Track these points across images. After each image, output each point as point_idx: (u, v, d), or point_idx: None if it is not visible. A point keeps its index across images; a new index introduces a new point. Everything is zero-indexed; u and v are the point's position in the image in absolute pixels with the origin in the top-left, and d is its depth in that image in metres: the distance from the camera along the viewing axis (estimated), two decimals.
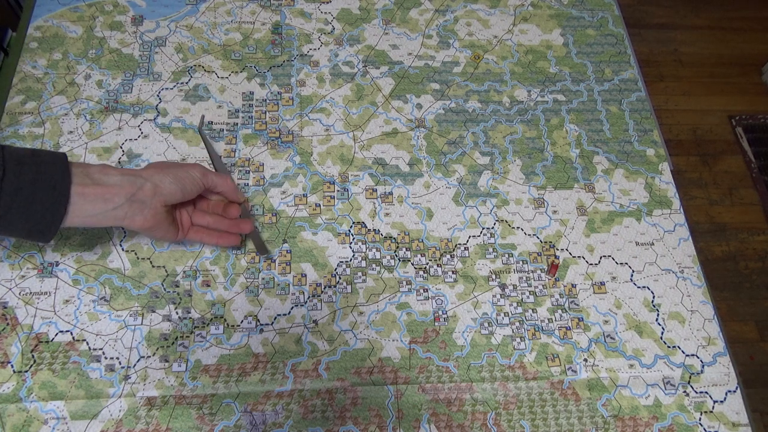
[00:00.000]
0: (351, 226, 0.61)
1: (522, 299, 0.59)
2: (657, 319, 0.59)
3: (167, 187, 0.50)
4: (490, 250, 0.61)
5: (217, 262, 0.58)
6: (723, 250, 1.56)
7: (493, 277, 0.60)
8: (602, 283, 0.60)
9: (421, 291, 0.59)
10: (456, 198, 0.64)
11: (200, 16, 0.73)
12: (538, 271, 0.60)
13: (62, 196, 0.45)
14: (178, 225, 0.54)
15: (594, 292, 0.60)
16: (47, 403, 0.51)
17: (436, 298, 0.58)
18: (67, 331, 0.54)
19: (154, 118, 0.65)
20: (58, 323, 0.54)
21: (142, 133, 0.64)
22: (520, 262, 0.61)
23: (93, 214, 0.47)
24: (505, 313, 0.58)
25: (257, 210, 0.61)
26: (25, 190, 0.43)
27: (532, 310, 0.58)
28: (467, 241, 0.61)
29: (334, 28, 0.74)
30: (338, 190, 0.63)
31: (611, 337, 0.58)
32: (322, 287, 0.58)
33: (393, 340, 0.56)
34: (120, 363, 0.53)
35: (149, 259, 0.58)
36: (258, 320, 0.56)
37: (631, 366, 0.56)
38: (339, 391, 0.53)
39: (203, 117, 0.64)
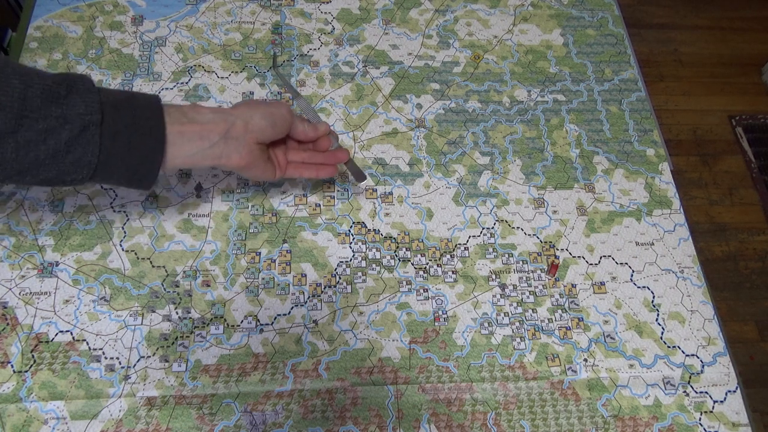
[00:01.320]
0: (351, 226, 0.61)
1: (522, 299, 0.59)
2: (657, 319, 0.59)
3: (258, 123, 0.50)
4: (490, 250, 0.61)
5: (217, 262, 0.58)
6: (723, 250, 1.56)
7: (493, 277, 0.60)
8: (602, 283, 0.60)
9: (421, 291, 0.59)
10: (456, 198, 0.64)
11: (200, 16, 0.73)
12: (538, 271, 0.60)
13: (160, 137, 0.45)
14: (275, 163, 0.54)
15: (594, 292, 0.60)
16: (47, 403, 0.51)
17: (436, 298, 0.58)
18: (67, 331, 0.54)
19: None
20: (58, 323, 0.54)
21: None
22: (520, 262, 0.61)
23: (191, 153, 0.47)
24: (505, 313, 0.58)
25: (257, 210, 0.61)
26: (123, 135, 0.43)
27: (532, 310, 0.58)
28: (467, 241, 0.61)
29: (334, 28, 0.74)
30: (338, 190, 0.63)
31: (611, 337, 0.58)
32: (322, 287, 0.58)
33: (393, 340, 0.56)
34: (120, 363, 0.53)
35: (149, 259, 0.58)
36: (258, 320, 0.56)
37: (631, 366, 0.56)
38: (339, 391, 0.53)
39: (275, 55, 0.60)
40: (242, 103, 0.52)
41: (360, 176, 0.59)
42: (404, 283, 0.59)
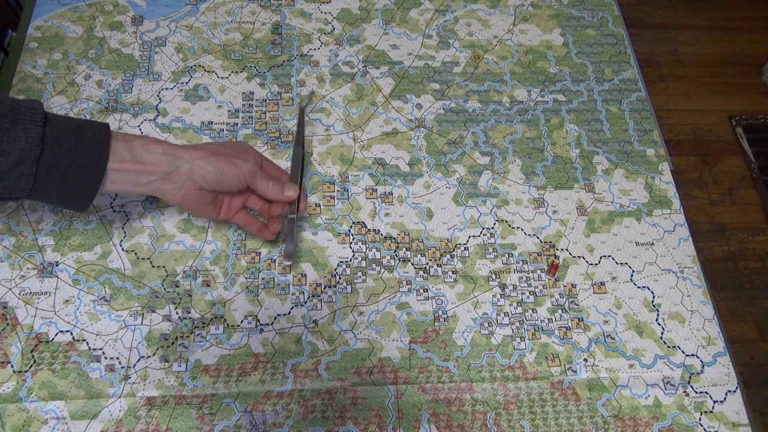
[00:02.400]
0: (351, 226, 0.61)
1: (522, 299, 0.59)
2: (657, 319, 0.59)
3: (202, 174, 0.49)
4: (490, 250, 0.61)
5: (217, 262, 0.58)
6: (723, 250, 1.56)
7: (493, 277, 0.60)
8: (602, 283, 0.60)
9: (421, 291, 0.59)
10: (456, 198, 0.64)
11: (200, 16, 0.73)
12: (538, 271, 0.60)
13: (98, 173, 0.46)
14: (219, 206, 0.54)
15: (594, 292, 0.60)
16: (47, 403, 0.51)
17: (436, 298, 0.58)
18: (67, 331, 0.54)
19: (154, 118, 0.65)
20: (58, 323, 0.54)
21: (142, 132, 0.64)
22: (520, 262, 0.61)
23: (126, 186, 0.48)
24: (505, 313, 0.58)
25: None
26: (61, 167, 0.44)
27: (532, 310, 0.58)
28: (467, 241, 0.61)
29: (334, 28, 0.74)
30: (338, 190, 0.63)
31: (611, 337, 0.58)
32: (322, 287, 0.58)
33: (393, 340, 0.56)
34: (120, 363, 0.53)
35: (149, 259, 0.58)
36: (258, 320, 0.56)
37: (631, 366, 0.56)
38: (339, 391, 0.53)
39: (312, 93, 0.58)
40: (210, 145, 0.51)
41: (288, 256, 0.54)
42: (404, 283, 0.59)
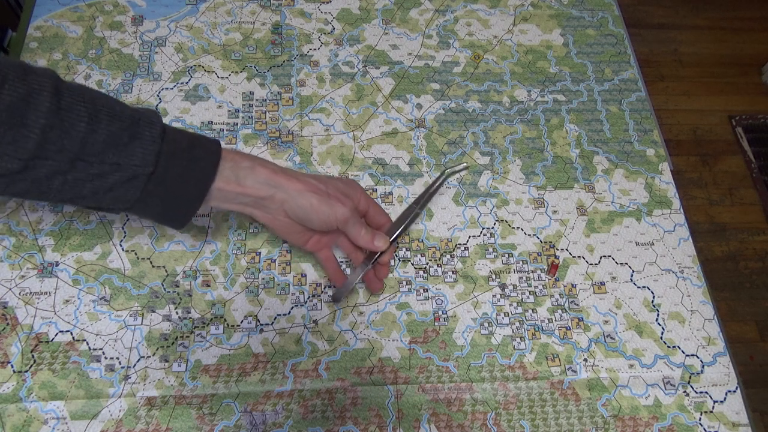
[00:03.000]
0: None
1: (522, 299, 0.59)
2: (657, 319, 0.59)
3: (294, 209, 0.49)
4: (490, 250, 0.61)
5: (217, 262, 0.58)
6: (723, 250, 1.56)
7: (493, 277, 0.60)
8: (602, 283, 0.60)
9: (421, 291, 0.59)
10: (456, 198, 0.64)
11: (200, 16, 0.73)
12: (538, 271, 0.60)
13: (202, 191, 0.46)
14: (309, 237, 0.54)
15: (594, 292, 0.60)
16: (47, 403, 0.51)
17: (436, 298, 0.58)
18: (67, 331, 0.54)
19: None
20: (58, 323, 0.54)
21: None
22: (520, 262, 0.61)
23: (223, 202, 0.49)
24: (505, 313, 0.58)
25: None
26: (168, 183, 0.45)
27: (532, 310, 0.58)
28: (467, 241, 0.61)
29: (334, 28, 0.74)
30: None
31: (611, 337, 0.58)
32: (322, 287, 0.58)
33: (393, 340, 0.56)
34: (120, 363, 0.53)
35: (149, 259, 0.58)
36: (258, 320, 0.56)
37: (631, 366, 0.56)
38: (339, 391, 0.53)
39: (467, 168, 0.57)
40: (308, 180, 0.50)
41: (336, 299, 0.56)
42: (404, 283, 0.59)
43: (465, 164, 0.60)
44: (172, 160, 0.44)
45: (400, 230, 0.55)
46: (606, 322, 0.58)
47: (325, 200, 0.49)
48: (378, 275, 0.56)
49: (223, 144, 0.48)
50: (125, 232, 0.59)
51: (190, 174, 0.45)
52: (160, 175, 0.44)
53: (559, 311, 0.59)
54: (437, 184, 0.58)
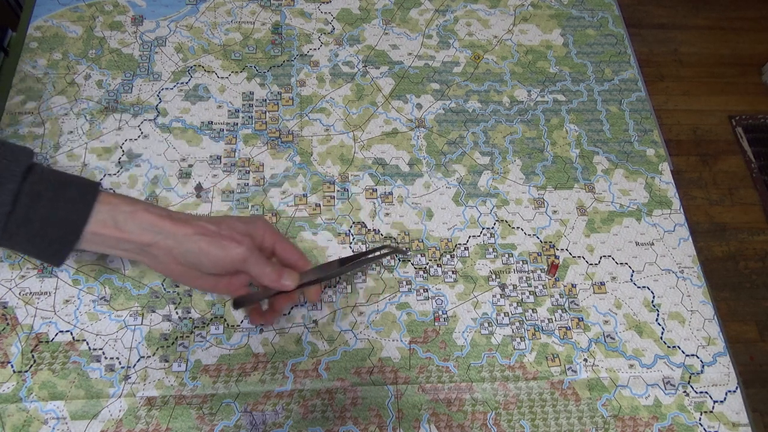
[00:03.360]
0: (351, 226, 0.61)
1: (522, 299, 0.59)
2: (657, 319, 0.59)
3: (183, 254, 0.46)
4: (490, 250, 0.61)
5: None
6: (723, 250, 1.56)
7: (493, 277, 0.60)
8: (602, 283, 0.60)
9: (421, 291, 0.59)
10: (456, 198, 0.64)
11: (200, 16, 0.73)
12: (538, 271, 0.60)
13: (74, 233, 0.44)
14: (214, 281, 0.49)
15: (594, 292, 0.60)
16: (47, 403, 0.51)
17: (436, 298, 0.58)
18: (67, 331, 0.54)
19: (154, 118, 0.65)
20: (58, 323, 0.54)
21: (142, 133, 0.64)
22: (520, 262, 0.61)
23: (104, 248, 0.47)
24: (505, 313, 0.58)
25: (257, 210, 0.61)
26: (34, 223, 0.43)
27: (532, 310, 0.58)
28: (467, 241, 0.61)
29: (334, 28, 0.74)
30: (338, 190, 0.63)
31: (611, 337, 0.58)
32: (323, 287, 0.58)
33: (393, 340, 0.56)
34: (120, 363, 0.53)
35: None
36: None
37: (631, 366, 0.56)
38: (339, 391, 0.53)
39: (408, 251, 0.56)
40: (197, 223, 0.47)
41: (235, 305, 0.51)
42: (404, 283, 0.59)
43: (407, 249, 0.57)
44: (36, 200, 0.42)
45: (321, 277, 0.51)
46: (606, 322, 0.58)
47: (215, 242, 0.45)
48: (273, 306, 0.52)
49: (107, 188, 0.46)
50: None
51: (59, 215, 0.43)
52: (21, 215, 0.42)
53: (559, 311, 0.59)
54: (373, 255, 0.55)
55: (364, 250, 0.59)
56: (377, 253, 0.56)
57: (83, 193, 0.44)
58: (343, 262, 0.54)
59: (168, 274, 0.48)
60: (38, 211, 0.43)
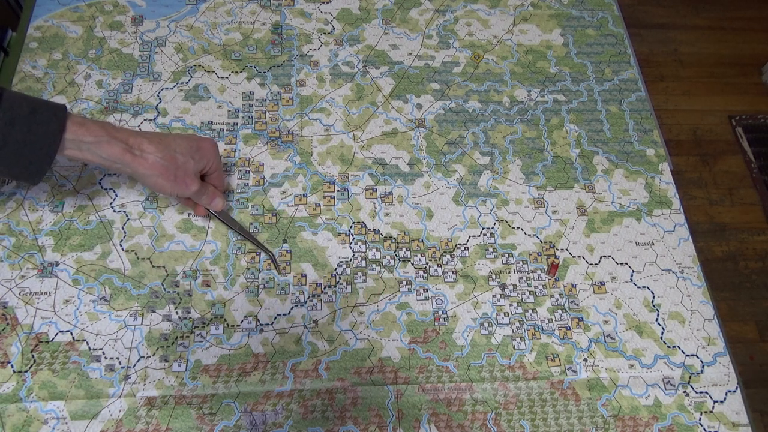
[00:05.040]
0: (351, 226, 0.61)
1: (522, 299, 0.59)
2: (657, 319, 0.59)
3: (141, 182, 0.53)
4: (490, 250, 0.61)
5: (217, 262, 0.58)
6: (723, 250, 1.56)
7: (493, 277, 0.60)
8: (602, 283, 0.60)
9: (421, 291, 0.59)
10: (456, 198, 0.64)
11: (200, 16, 0.73)
12: (538, 271, 0.60)
13: (48, 156, 0.47)
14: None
15: (594, 292, 0.60)
16: (47, 403, 0.51)
17: (436, 298, 0.58)
18: (67, 331, 0.54)
19: (154, 118, 0.65)
20: (58, 323, 0.54)
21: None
22: (520, 262, 0.61)
23: (74, 161, 0.51)
24: (505, 313, 0.58)
25: (257, 210, 0.61)
26: (11, 147, 0.46)
27: (532, 310, 0.58)
28: (467, 241, 0.61)
29: (334, 28, 0.74)
30: (338, 190, 0.63)
31: (611, 337, 0.58)
32: (322, 287, 0.58)
33: (393, 340, 0.56)
34: (120, 363, 0.53)
35: (149, 259, 0.58)
36: (258, 320, 0.56)
37: (631, 366, 0.56)
38: (339, 391, 0.53)
39: (274, 259, 0.59)
40: (163, 158, 0.52)
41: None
42: (404, 283, 0.59)
43: (282, 271, 0.59)
44: (11, 126, 0.45)
45: (223, 220, 0.59)
46: (606, 322, 0.58)
47: (170, 182, 0.52)
48: (198, 211, 0.60)
49: (71, 109, 0.49)
50: (125, 232, 0.59)
51: (32, 139, 0.46)
52: (8, 112, 0.45)
53: (559, 311, 0.58)
54: (257, 243, 0.59)
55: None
56: (261, 248, 0.59)
57: (52, 118, 0.47)
58: (242, 229, 0.59)
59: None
60: (14, 136, 0.46)
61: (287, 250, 0.59)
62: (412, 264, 0.60)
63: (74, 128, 0.48)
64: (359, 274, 0.59)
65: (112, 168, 0.51)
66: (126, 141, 0.50)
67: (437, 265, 0.60)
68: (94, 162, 0.50)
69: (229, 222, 0.59)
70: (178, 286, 0.57)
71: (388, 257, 0.60)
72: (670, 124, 1.76)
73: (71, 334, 0.54)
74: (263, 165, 0.64)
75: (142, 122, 0.65)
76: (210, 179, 0.58)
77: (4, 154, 0.46)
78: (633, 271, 0.61)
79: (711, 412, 0.55)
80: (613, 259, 0.62)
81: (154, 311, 0.55)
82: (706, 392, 0.56)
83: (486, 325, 0.57)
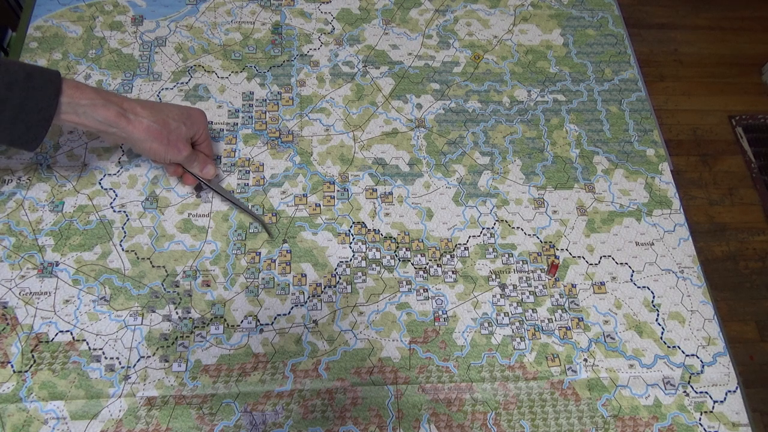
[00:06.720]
0: (351, 226, 0.61)
1: (522, 299, 0.59)
2: (657, 319, 0.59)
3: (134, 147, 0.55)
4: (490, 250, 0.61)
5: (217, 262, 0.58)
6: (723, 250, 1.56)
7: (493, 277, 0.60)
8: (602, 283, 0.60)
9: (421, 291, 0.59)
10: (456, 198, 0.64)
11: (200, 16, 0.73)
12: (538, 271, 0.60)
13: (45, 121, 0.48)
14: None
15: (594, 292, 0.60)
16: (47, 403, 0.51)
17: (436, 298, 0.58)
18: (67, 331, 0.54)
19: None
20: (58, 323, 0.54)
21: None
22: (520, 262, 0.61)
23: (69, 126, 0.52)
24: (505, 313, 0.58)
25: (257, 210, 0.61)
26: (8, 113, 0.47)
27: (532, 310, 0.58)
28: (467, 241, 0.61)
29: (334, 28, 0.74)
30: (338, 190, 0.63)
31: (611, 337, 0.58)
32: (322, 287, 0.58)
33: (393, 340, 0.56)
34: (120, 363, 0.53)
35: (149, 259, 0.58)
36: (258, 320, 0.56)
37: (631, 366, 0.56)
38: (339, 391, 0.53)
39: (270, 233, 0.60)
40: (155, 121, 0.53)
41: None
42: (404, 283, 0.59)
43: (272, 236, 0.60)
44: (9, 91, 0.46)
45: (213, 188, 0.60)
46: (606, 322, 0.58)
47: (163, 147, 0.54)
48: (186, 180, 0.61)
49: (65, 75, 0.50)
50: (125, 232, 0.59)
51: (29, 104, 0.47)
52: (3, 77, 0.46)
53: (559, 311, 0.59)
54: (247, 210, 0.60)
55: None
56: (251, 215, 0.60)
57: (48, 82, 0.48)
58: (231, 196, 0.61)
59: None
60: (11, 100, 0.46)
61: (287, 250, 0.59)
62: (412, 264, 0.60)
63: (70, 91, 0.49)
64: (359, 274, 0.59)
65: (107, 133, 0.52)
66: (120, 105, 0.52)
67: (437, 265, 0.60)
68: (90, 126, 0.51)
69: (218, 189, 0.60)
70: (178, 286, 0.57)
71: (388, 257, 0.60)
72: (670, 124, 1.76)
73: (71, 334, 0.54)
74: (263, 165, 0.64)
75: None
76: (200, 148, 0.59)
77: (3, 119, 0.47)
78: (633, 271, 0.61)
79: (711, 412, 0.55)
80: (613, 259, 0.62)
81: (154, 311, 0.55)
82: (706, 392, 0.56)
83: (486, 325, 0.57)
